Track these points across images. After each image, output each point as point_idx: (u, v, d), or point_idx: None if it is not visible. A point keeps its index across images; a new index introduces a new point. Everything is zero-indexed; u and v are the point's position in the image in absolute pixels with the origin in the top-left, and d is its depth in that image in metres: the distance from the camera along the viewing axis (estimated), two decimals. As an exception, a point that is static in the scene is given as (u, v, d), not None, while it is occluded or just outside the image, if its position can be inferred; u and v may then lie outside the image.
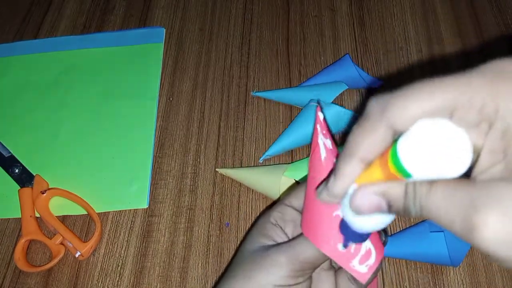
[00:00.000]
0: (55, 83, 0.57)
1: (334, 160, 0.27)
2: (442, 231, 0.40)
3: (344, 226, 0.25)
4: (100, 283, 0.43)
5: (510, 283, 0.40)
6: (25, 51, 0.60)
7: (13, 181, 0.49)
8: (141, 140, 0.51)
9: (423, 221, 0.43)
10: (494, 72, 0.19)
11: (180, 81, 0.56)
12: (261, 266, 0.28)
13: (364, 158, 0.22)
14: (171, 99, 0.54)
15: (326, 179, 0.25)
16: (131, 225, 0.46)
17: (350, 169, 0.22)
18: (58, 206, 0.48)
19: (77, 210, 0.47)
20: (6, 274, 0.45)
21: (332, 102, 0.49)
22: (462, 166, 0.18)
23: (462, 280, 0.41)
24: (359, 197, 0.22)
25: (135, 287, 0.43)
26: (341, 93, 0.49)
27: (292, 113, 0.52)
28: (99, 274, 0.44)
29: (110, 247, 0.45)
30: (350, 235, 0.25)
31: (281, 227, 0.31)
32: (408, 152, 0.19)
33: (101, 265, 0.44)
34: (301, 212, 0.32)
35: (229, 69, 0.56)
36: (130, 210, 0.47)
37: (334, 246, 0.26)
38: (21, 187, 0.48)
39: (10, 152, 0.52)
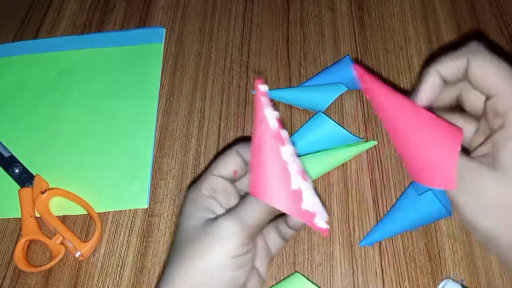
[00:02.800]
0: (55, 83, 0.57)
1: (284, 132, 0.28)
2: (430, 190, 0.41)
3: None
4: (100, 283, 0.43)
5: (510, 283, 0.40)
6: (25, 51, 0.60)
7: (13, 181, 0.49)
8: (141, 140, 0.51)
9: (407, 189, 0.44)
10: None
11: (180, 81, 0.56)
12: (213, 239, 0.27)
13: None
14: (171, 99, 0.54)
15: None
16: (131, 225, 0.46)
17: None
18: (58, 206, 0.48)
19: (77, 210, 0.48)
20: (6, 274, 0.45)
21: (332, 104, 0.49)
22: None
23: (462, 280, 0.41)
24: None
25: (135, 287, 0.43)
26: (341, 94, 0.49)
27: (292, 113, 0.52)
28: (99, 274, 0.44)
29: (110, 247, 0.45)
30: None
31: (214, 198, 0.30)
32: None
33: (101, 265, 0.44)
34: (229, 180, 0.31)
35: (229, 69, 0.56)
36: (130, 210, 0.47)
37: (298, 205, 0.26)
38: (21, 187, 0.48)
39: (10, 152, 0.52)
